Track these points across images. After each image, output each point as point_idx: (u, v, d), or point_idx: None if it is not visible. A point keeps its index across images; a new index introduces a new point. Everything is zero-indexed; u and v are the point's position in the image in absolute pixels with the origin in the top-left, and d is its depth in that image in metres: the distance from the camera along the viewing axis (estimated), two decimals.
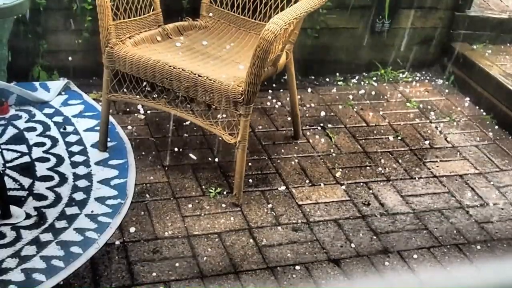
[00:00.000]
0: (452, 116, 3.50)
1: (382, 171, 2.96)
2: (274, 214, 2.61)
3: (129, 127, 3.06)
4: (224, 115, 3.09)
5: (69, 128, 2.98)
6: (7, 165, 2.68)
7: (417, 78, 3.89)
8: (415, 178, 2.94)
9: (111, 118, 2.94)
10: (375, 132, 3.28)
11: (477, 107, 3.62)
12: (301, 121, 3.18)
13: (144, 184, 2.68)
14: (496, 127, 3.45)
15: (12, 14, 2.64)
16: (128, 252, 2.32)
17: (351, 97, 3.57)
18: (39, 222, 2.39)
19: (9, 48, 3.12)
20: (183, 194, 2.66)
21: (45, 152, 2.80)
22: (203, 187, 2.71)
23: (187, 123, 3.10)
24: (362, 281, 2.27)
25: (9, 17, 2.82)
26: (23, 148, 2.81)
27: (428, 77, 3.92)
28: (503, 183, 2.98)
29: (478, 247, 2.56)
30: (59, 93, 3.22)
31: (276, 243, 2.45)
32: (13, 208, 2.41)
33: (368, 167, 2.98)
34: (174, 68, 2.52)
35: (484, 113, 3.57)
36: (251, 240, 2.45)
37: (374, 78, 3.81)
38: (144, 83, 2.92)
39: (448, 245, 2.55)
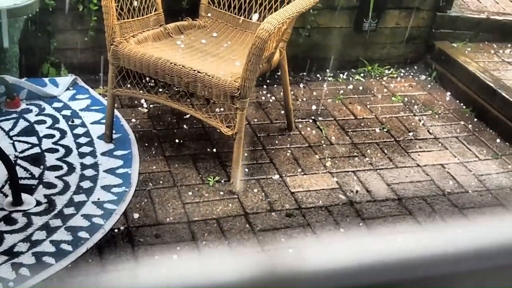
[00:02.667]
0: (434, 110, 3.49)
1: (369, 161, 2.95)
2: (268, 201, 2.59)
3: (133, 120, 3.04)
4: (222, 109, 3.07)
5: (77, 121, 2.96)
6: (19, 155, 2.66)
7: (402, 74, 3.87)
8: (400, 167, 2.93)
9: (116, 112, 2.91)
10: (362, 124, 3.26)
11: (458, 101, 3.61)
12: (294, 114, 3.16)
13: (147, 173, 2.67)
14: (475, 119, 3.44)
15: (23, 14, 2.62)
16: (132, 236, 2.31)
17: (340, 92, 3.56)
18: (49, 208, 2.37)
19: (20, 46, 3.09)
20: (184, 182, 2.64)
21: (54, 143, 2.78)
22: (202, 176, 2.70)
23: (187, 116, 3.08)
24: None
25: (20, 16, 2.80)
26: (33, 139, 2.79)
27: (412, 73, 3.90)
28: (481, 171, 2.97)
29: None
30: (67, 88, 3.19)
31: (271, 228, 2.44)
32: (24, 196, 2.40)
33: (356, 157, 2.97)
34: (175, 65, 2.50)
35: (464, 107, 3.56)
36: (247, 225, 2.44)
37: (362, 74, 3.79)
38: (147, 79, 2.91)
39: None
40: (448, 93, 3.69)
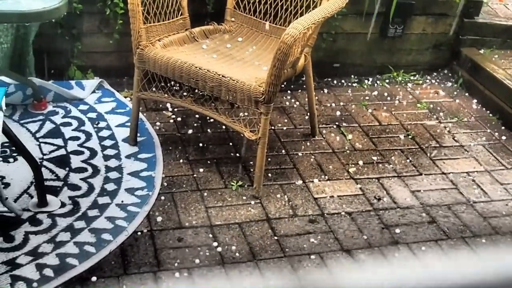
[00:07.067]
0: (460, 117, 3.45)
1: (393, 168, 2.93)
2: (291, 206, 2.59)
3: (158, 123, 3.06)
4: (246, 113, 3.08)
5: (102, 124, 2.99)
6: (45, 157, 2.69)
7: (428, 81, 3.84)
8: (424, 174, 2.91)
9: (141, 115, 2.94)
10: (387, 131, 3.24)
11: (484, 109, 3.57)
12: (318, 119, 3.16)
13: (170, 177, 2.68)
14: (502, 127, 3.39)
15: (51, 17, 2.64)
16: (155, 239, 2.32)
17: (365, 97, 3.54)
18: (73, 210, 2.40)
19: (47, 50, 3.13)
20: (207, 186, 2.65)
21: (80, 145, 2.81)
22: (226, 180, 2.70)
23: (211, 120, 3.10)
24: (373, 270, 2.24)
25: (48, 20, 2.82)
26: (59, 141, 2.82)
27: (438, 80, 3.87)
28: (508, 180, 2.93)
29: (483, 240, 2.52)
30: (93, 91, 3.22)
31: (293, 233, 2.44)
32: (50, 197, 2.42)
33: (380, 164, 2.95)
34: (200, 69, 2.51)
35: (491, 114, 3.51)
36: (270, 231, 2.43)
37: (387, 80, 3.77)
38: (172, 82, 2.92)
39: (455, 238, 2.51)
40: (475, 101, 3.65)
